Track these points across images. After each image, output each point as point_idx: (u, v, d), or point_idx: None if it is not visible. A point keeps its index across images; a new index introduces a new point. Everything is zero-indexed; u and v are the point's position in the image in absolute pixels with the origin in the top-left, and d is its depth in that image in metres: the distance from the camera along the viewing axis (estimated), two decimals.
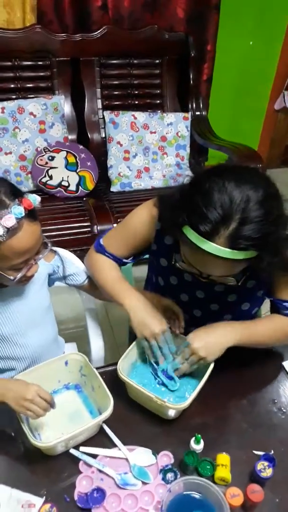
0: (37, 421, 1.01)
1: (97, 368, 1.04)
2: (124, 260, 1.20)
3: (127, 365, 1.08)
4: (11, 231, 0.85)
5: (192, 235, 0.83)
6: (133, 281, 1.48)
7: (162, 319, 1.05)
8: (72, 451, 0.93)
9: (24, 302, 1.10)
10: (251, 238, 0.80)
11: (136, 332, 1.05)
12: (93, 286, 1.26)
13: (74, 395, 1.08)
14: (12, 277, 0.93)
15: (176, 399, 1.04)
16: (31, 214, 0.89)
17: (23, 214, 0.86)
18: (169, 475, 0.92)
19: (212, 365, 1.01)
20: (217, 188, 0.81)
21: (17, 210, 0.85)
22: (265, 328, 1.07)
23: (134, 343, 1.09)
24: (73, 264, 1.24)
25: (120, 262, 1.19)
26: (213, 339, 0.99)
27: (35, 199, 0.90)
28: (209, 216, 0.80)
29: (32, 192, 2.51)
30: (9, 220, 0.84)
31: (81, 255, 1.38)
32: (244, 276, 0.95)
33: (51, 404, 0.94)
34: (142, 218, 1.12)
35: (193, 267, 0.92)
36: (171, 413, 1.00)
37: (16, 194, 0.89)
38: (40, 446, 0.88)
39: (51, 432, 0.99)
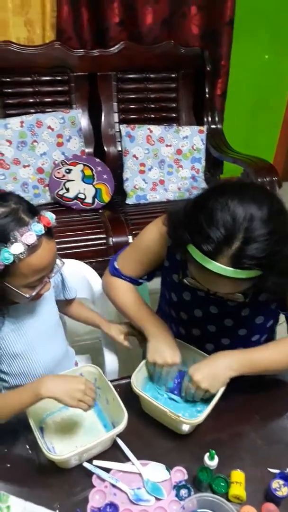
0: (51, 434, 1.01)
1: (111, 381, 1.04)
2: (140, 280, 1.23)
3: (141, 378, 1.08)
4: (31, 249, 0.85)
5: (196, 254, 0.83)
6: (148, 297, 1.48)
7: (176, 351, 1.06)
8: (86, 464, 0.93)
9: (36, 318, 1.11)
10: (255, 258, 0.79)
11: (148, 355, 1.07)
12: (76, 308, 1.30)
13: None
14: (27, 295, 0.93)
15: (190, 414, 1.03)
16: (48, 231, 0.90)
17: (43, 232, 0.87)
18: (183, 492, 0.91)
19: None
20: (220, 207, 0.80)
21: (37, 227, 0.86)
22: (271, 352, 1.05)
23: None
24: (69, 277, 1.25)
25: (136, 282, 1.22)
26: (214, 370, 0.99)
27: (52, 217, 0.91)
28: (211, 236, 0.79)
29: (49, 204, 2.57)
30: (30, 237, 0.85)
31: (97, 266, 1.39)
32: (252, 292, 0.94)
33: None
34: (152, 236, 1.13)
35: (200, 284, 0.92)
36: (185, 428, 0.99)
37: (33, 211, 0.90)
38: (54, 459, 0.88)
39: (65, 445, 0.99)
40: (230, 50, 2.76)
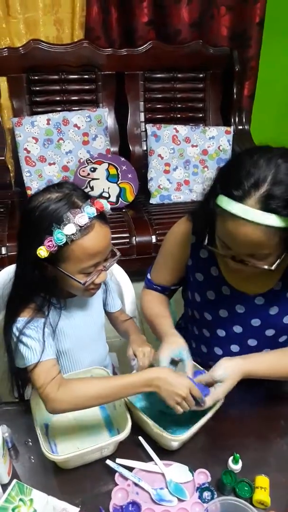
0: (56, 432, 1.01)
1: None
2: (172, 288, 1.25)
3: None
4: (83, 230, 0.87)
5: (224, 201, 0.85)
6: (174, 307, 1.47)
7: (161, 349, 1.02)
8: (109, 462, 0.93)
9: (86, 317, 1.11)
10: (282, 199, 0.81)
11: None
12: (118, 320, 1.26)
13: (97, 410, 1.06)
14: (82, 281, 0.93)
15: (180, 428, 0.99)
16: (102, 216, 0.92)
17: (95, 214, 0.89)
18: (206, 494, 0.90)
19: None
20: (249, 158, 0.85)
21: (89, 210, 0.88)
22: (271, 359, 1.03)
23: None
24: (114, 287, 1.24)
25: (168, 290, 1.25)
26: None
27: (106, 203, 0.92)
28: (241, 181, 0.83)
29: None
30: (82, 218, 0.86)
31: (120, 266, 1.39)
32: (279, 260, 0.92)
33: (200, 402, 0.93)
34: (176, 237, 1.15)
35: (225, 248, 0.92)
36: (174, 444, 0.95)
37: (87, 197, 0.92)
38: (52, 458, 0.87)
39: (68, 445, 0.98)
40: (260, 51, 2.73)
